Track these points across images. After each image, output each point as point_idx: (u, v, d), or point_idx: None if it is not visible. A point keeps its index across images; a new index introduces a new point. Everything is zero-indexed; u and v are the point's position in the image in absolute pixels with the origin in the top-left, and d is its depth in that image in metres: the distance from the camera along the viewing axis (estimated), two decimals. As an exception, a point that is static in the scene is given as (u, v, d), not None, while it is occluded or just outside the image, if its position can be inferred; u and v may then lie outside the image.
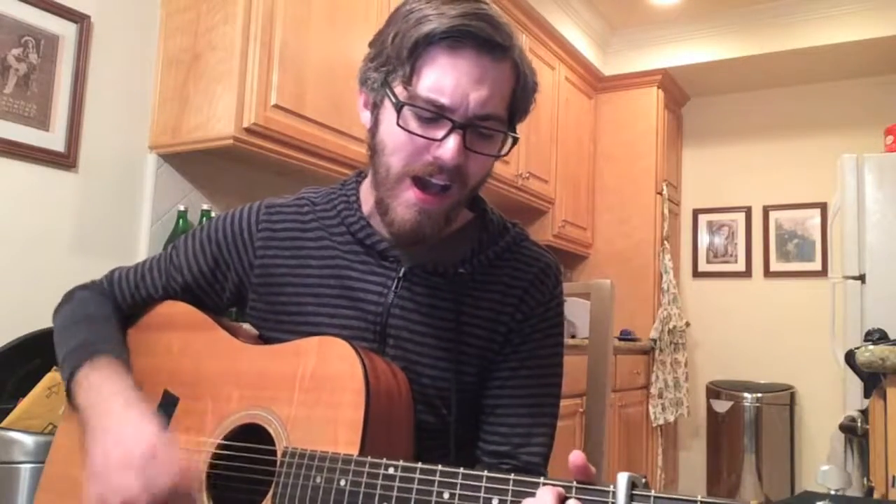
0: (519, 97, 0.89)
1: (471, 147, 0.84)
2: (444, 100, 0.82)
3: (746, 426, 3.97)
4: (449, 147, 0.82)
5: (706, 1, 3.88)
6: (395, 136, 0.85)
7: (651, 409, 3.86)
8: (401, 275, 0.93)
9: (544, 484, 0.64)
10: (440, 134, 0.83)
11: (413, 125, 0.84)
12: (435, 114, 0.83)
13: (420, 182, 0.85)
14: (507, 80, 0.86)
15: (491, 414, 0.94)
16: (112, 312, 1.05)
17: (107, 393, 0.88)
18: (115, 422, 0.84)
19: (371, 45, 0.91)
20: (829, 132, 4.18)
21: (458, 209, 0.91)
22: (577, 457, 0.65)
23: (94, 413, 0.87)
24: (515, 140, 0.90)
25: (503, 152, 0.90)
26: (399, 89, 0.84)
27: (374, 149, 0.90)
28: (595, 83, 4.26)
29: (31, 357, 1.62)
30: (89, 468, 0.83)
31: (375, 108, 0.90)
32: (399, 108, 0.83)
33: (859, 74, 4.09)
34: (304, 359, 0.86)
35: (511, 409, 0.94)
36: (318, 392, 0.83)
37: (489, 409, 0.95)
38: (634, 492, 0.61)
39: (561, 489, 0.64)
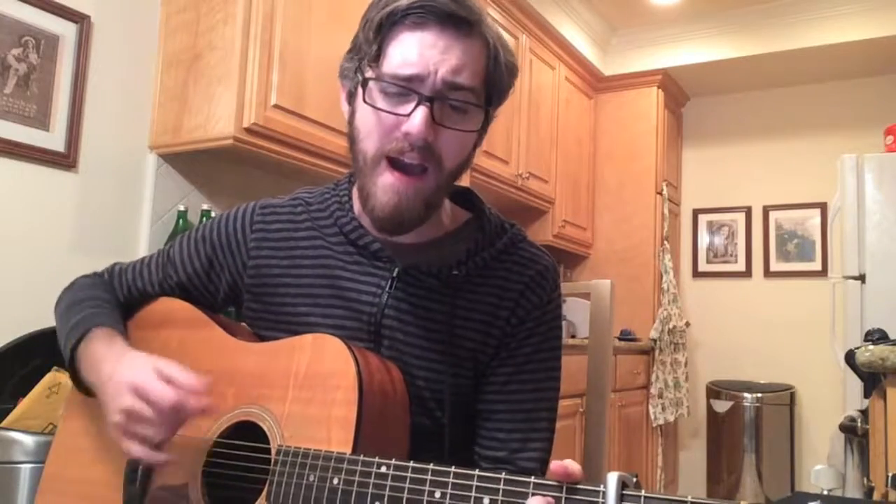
0: (493, 73, 0.88)
1: (440, 121, 0.83)
2: (410, 70, 0.82)
3: (746, 426, 3.97)
4: (416, 120, 0.81)
5: (706, 1, 3.88)
6: (366, 119, 0.85)
7: (651, 409, 3.86)
8: (394, 275, 0.92)
9: (534, 493, 0.64)
10: (408, 109, 0.82)
11: (381, 103, 0.84)
12: (402, 88, 0.82)
13: (395, 163, 0.84)
14: (476, 54, 0.85)
15: (488, 419, 0.93)
16: (112, 297, 1.07)
17: (105, 355, 0.91)
18: (114, 371, 0.87)
19: (352, 42, 0.91)
20: (829, 132, 4.18)
21: (438, 194, 0.89)
22: (555, 465, 0.65)
23: (98, 376, 0.90)
24: (489, 116, 0.88)
25: (477, 128, 0.88)
26: (367, 70, 0.85)
27: (351, 138, 0.90)
28: (595, 83, 4.26)
29: (31, 357, 1.62)
30: (108, 424, 0.87)
31: (352, 97, 0.90)
32: (364, 84, 0.84)
33: (859, 74, 4.09)
34: (297, 356, 0.86)
35: (508, 415, 0.93)
36: (311, 390, 0.83)
37: (486, 414, 0.94)
38: (625, 492, 0.61)
39: (550, 498, 0.64)
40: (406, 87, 0.82)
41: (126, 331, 1.02)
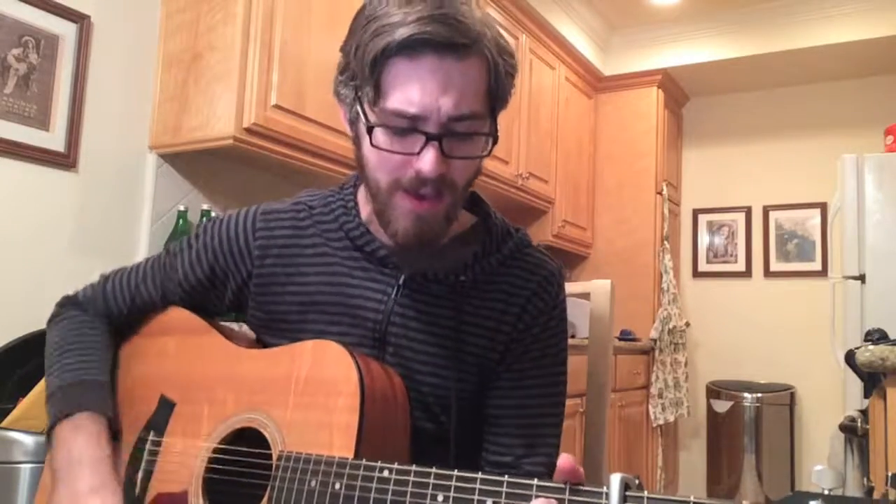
0: (495, 88, 0.86)
1: (450, 154, 0.82)
2: (414, 109, 0.79)
3: (746, 426, 3.97)
4: (427, 160, 0.80)
5: (706, 1, 3.88)
6: (375, 155, 0.84)
7: (651, 409, 3.86)
8: (401, 282, 0.91)
9: (537, 495, 0.64)
10: (416, 147, 0.81)
11: (388, 143, 0.82)
12: (407, 127, 0.80)
13: (410, 193, 0.84)
14: (477, 75, 0.83)
15: (494, 424, 0.93)
16: (104, 337, 1.03)
17: (78, 464, 0.88)
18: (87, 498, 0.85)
19: (341, 50, 0.88)
20: (829, 132, 4.18)
21: (457, 208, 0.89)
22: (565, 460, 0.64)
23: (62, 482, 0.88)
24: (496, 139, 0.87)
25: (485, 152, 0.87)
26: (368, 110, 0.83)
27: (359, 163, 0.88)
28: (595, 83, 4.26)
29: (31, 357, 1.62)
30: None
31: (353, 123, 0.88)
32: (370, 130, 0.82)
33: (859, 74, 4.09)
34: (298, 362, 0.85)
35: (514, 420, 0.92)
36: (312, 396, 0.82)
37: (492, 419, 0.93)
38: (628, 493, 0.61)
39: (553, 500, 0.63)
40: (411, 127, 0.81)
41: (113, 391, 1.00)
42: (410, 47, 0.79)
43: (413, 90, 0.79)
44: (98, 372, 0.98)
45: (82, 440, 0.90)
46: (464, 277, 0.92)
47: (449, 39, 0.79)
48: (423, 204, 0.84)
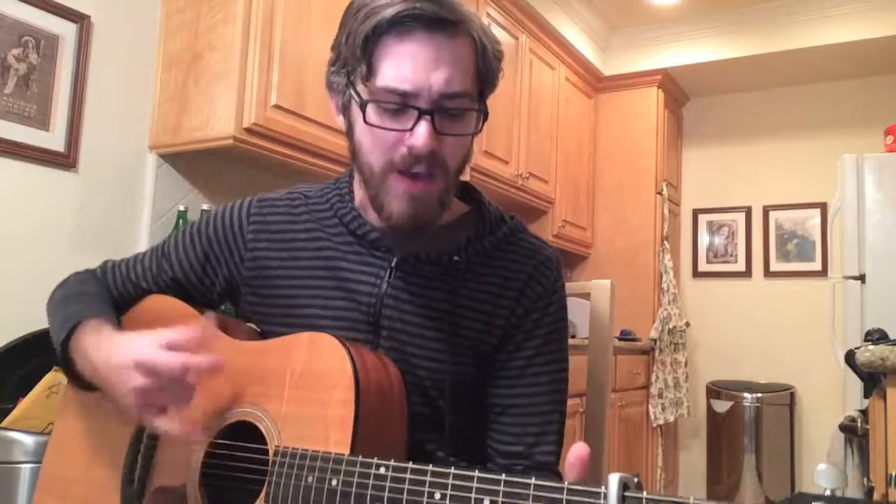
0: (483, 69, 0.88)
1: (442, 130, 0.84)
2: (406, 86, 0.82)
3: (746, 426, 3.97)
4: (420, 134, 0.82)
5: (706, 1, 3.88)
6: (368, 135, 0.86)
7: (651, 409, 3.86)
8: (393, 265, 0.92)
9: (535, 495, 0.64)
10: (409, 123, 0.83)
11: (381, 120, 0.84)
12: (399, 104, 0.83)
13: (404, 173, 0.85)
14: (466, 54, 0.85)
15: (501, 413, 0.93)
16: (103, 290, 1.05)
17: (97, 344, 0.89)
18: (111, 355, 0.85)
19: (332, 48, 0.91)
20: (829, 132, 4.19)
21: (450, 193, 0.90)
22: (582, 449, 0.65)
23: (93, 365, 0.88)
24: (486, 115, 0.89)
25: (477, 130, 0.89)
26: (361, 88, 0.85)
27: (353, 150, 0.90)
28: (595, 83, 4.26)
29: (31, 357, 1.62)
30: (114, 403, 0.86)
31: (346, 110, 0.90)
32: (363, 106, 0.84)
33: (859, 74, 4.09)
34: (293, 355, 0.85)
35: (522, 409, 0.93)
36: (308, 389, 0.82)
37: (499, 409, 0.94)
38: (626, 493, 0.61)
39: None
40: (402, 103, 0.83)
41: (116, 315, 1.00)
42: (400, 24, 0.81)
43: (404, 66, 0.82)
44: (98, 303, 1.00)
45: (93, 335, 0.91)
46: (457, 258, 0.92)
47: (437, 14, 0.82)
48: (417, 184, 0.85)
